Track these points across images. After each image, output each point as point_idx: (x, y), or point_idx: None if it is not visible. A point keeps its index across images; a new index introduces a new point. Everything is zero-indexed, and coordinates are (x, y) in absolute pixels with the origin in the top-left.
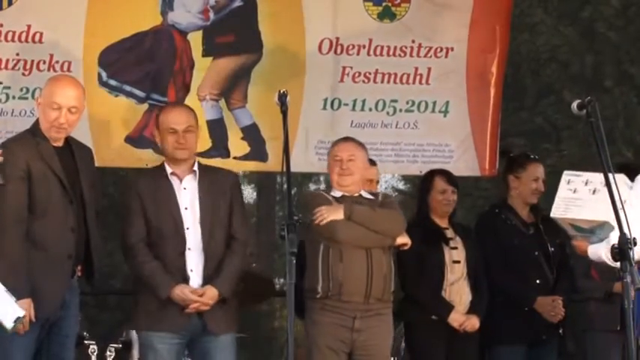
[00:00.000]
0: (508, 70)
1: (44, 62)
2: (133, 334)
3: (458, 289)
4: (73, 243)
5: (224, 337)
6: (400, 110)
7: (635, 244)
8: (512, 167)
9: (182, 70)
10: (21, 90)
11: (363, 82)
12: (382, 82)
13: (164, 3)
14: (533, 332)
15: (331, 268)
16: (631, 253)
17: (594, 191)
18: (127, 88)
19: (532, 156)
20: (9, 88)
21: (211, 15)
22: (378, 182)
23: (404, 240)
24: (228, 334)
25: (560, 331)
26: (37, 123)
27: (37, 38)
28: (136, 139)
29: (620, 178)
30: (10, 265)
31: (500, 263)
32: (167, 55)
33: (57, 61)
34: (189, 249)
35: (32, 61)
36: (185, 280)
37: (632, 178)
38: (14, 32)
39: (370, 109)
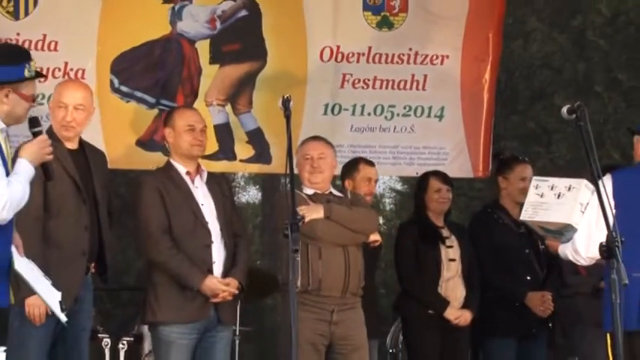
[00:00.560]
0: (502, 76)
1: (59, 70)
2: (145, 327)
3: (453, 285)
4: (87, 240)
5: (227, 331)
6: (398, 115)
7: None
8: (501, 169)
9: (190, 77)
10: (37, 96)
11: (363, 88)
12: (380, 88)
13: (173, 13)
14: (524, 326)
15: (311, 265)
16: (617, 251)
17: (559, 195)
18: (138, 94)
19: (520, 157)
20: None
21: (218, 24)
22: (376, 182)
23: (376, 237)
24: (231, 327)
25: (550, 324)
26: (51, 127)
27: (52, 47)
28: (146, 143)
29: (581, 182)
30: None
31: (493, 261)
32: (176, 63)
33: (71, 69)
34: (212, 242)
35: (48, 68)
36: (210, 271)
37: None
38: (30, 41)
39: (369, 114)
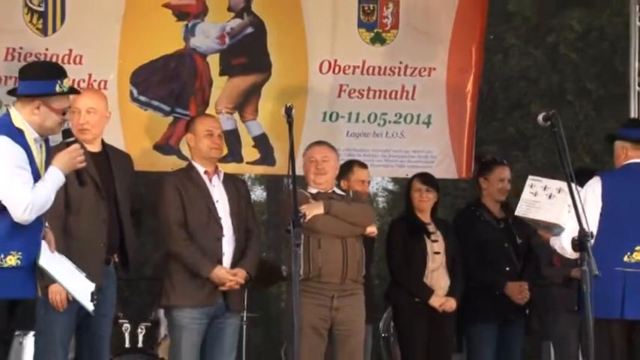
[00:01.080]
0: (484, 87)
1: (84, 81)
2: (161, 313)
3: (438, 276)
4: (106, 233)
5: (235, 317)
6: (389, 122)
7: (592, 237)
8: (482, 171)
9: (202, 88)
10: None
11: (358, 97)
12: (374, 97)
13: (187, 30)
14: (504, 312)
15: (311, 254)
16: (589, 245)
17: (550, 196)
18: (155, 103)
19: (499, 160)
20: None
21: (227, 40)
22: (369, 183)
23: (372, 229)
24: (239, 314)
25: (527, 311)
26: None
27: (77, 60)
28: (162, 147)
29: (563, 185)
30: None
31: (476, 254)
32: (189, 75)
33: (95, 80)
34: (223, 236)
35: (73, 80)
36: (219, 262)
37: (588, 181)
38: (58, 55)
39: (363, 121)
